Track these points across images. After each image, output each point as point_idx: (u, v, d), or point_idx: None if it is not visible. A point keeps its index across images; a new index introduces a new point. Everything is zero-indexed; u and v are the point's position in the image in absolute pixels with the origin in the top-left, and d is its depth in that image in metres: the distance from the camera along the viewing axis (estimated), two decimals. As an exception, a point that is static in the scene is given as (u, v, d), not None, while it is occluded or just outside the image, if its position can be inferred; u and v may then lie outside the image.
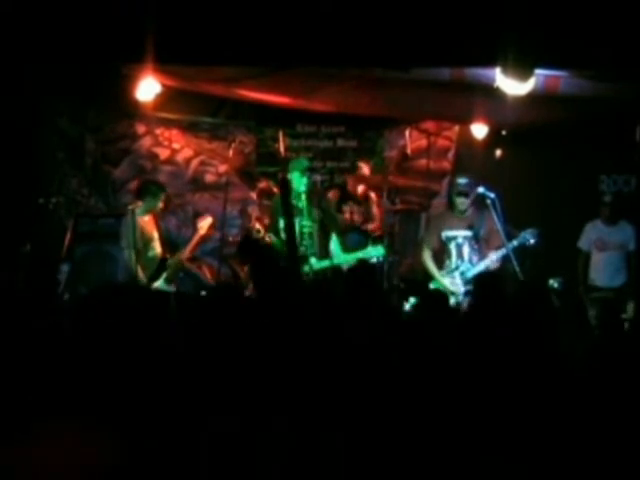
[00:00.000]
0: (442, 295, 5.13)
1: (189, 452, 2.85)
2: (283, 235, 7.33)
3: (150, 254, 7.33)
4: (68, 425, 2.76)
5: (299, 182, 7.28)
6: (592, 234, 7.75)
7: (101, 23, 5.61)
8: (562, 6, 5.50)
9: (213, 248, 8.59)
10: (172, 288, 7.31)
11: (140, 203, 7.29)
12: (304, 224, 7.23)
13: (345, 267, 7.08)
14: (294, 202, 7.33)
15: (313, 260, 7.17)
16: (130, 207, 7.28)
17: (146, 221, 7.38)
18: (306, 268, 7.09)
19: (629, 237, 7.56)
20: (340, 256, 7.21)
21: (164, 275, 7.28)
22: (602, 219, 7.71)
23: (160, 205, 7.49)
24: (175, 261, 7.40)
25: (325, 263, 7.16)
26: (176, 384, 3.14)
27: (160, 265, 7.32)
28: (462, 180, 7.12)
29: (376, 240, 7.94)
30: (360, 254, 7.21)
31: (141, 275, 7.20)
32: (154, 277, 7.23)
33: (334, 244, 7.28)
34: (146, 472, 2.75)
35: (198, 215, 8.17)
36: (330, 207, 7.83)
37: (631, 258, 7.52)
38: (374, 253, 7.25)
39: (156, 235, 7.44)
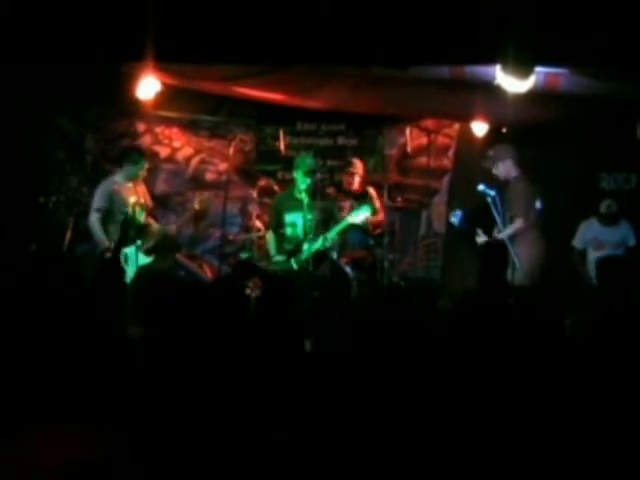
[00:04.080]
0: None
1: (187, 452, 2.85)
2: (285, 230, 7.46)
3: (121, 218, 7.33)
4: (68, 425, 2.76)
5: (302, 180, 7.54)
6: (587, 233, 7.75)
7: (101, 22, 5.60)
8: (562, 4, 5.49)
9: (214, 247, 8.59)
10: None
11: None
12: (308, 218, 7.44)
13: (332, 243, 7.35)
14: (297, 197, 7.48)
15: (305, 246, 7.36)
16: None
17: (125, 187, 7.46)
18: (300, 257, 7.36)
19: (626, 236, 7.58)
20: (332, 231, 7.40)
21: (142, 244, 7.29)
22: (600, 220, 7.69)
23: (141, 173, 7.61)
24: (159, 232, 7.45)
25: (318, 243, 7.35)
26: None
27: (139, 230, 7.35)
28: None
29: (377, 237, 7.96)
30: (349, 218, 7.40)
31: (103, 238, 7.25)
32: (123, 240, 7.21)
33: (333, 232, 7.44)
34: (146, 472, 2.75)
35: (198, 215, 8.17)
36: (331, 203, 7.91)
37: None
38: (363, 210, 7.42)
39: (132, 200, 7.42)
